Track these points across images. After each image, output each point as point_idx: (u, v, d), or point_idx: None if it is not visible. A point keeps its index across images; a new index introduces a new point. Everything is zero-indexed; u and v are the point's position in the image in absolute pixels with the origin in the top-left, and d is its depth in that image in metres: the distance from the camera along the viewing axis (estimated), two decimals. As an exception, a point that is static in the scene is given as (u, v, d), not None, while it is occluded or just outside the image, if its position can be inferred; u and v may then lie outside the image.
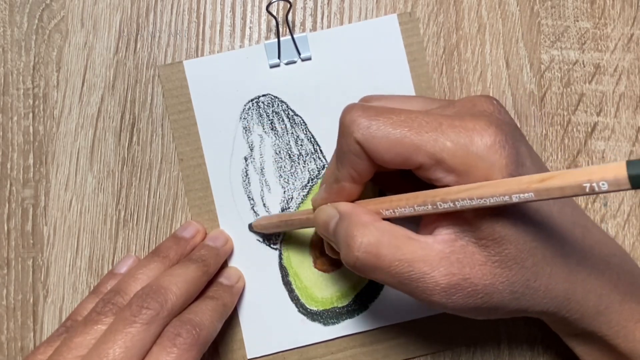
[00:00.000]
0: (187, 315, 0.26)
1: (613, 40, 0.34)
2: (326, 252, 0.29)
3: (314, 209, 0.28)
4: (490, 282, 0.22)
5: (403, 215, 0.24)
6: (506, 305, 0.23)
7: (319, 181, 0.32)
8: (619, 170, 0.18)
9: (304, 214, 0.29)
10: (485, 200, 0.21)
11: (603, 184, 0.18)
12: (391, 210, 0.24)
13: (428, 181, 0.23)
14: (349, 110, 0.24)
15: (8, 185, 0.33)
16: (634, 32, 0.34)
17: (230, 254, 0.32)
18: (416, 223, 0.25)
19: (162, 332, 0.25)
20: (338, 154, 0.25)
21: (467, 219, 0.23)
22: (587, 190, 0.19)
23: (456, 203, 0.22)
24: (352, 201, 0.26)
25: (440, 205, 0.22)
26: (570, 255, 0.24)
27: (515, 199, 0.20)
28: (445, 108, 0.25)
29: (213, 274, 0.30)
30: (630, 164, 0.18)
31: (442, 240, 0.23)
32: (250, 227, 0.32)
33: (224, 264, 0.32)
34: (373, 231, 0.23)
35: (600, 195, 0.33)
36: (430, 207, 0.22)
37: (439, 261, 0.22)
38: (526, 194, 0.20)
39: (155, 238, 0.33)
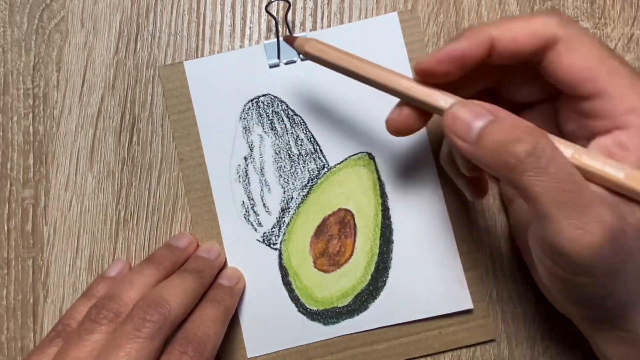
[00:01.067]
0: (193, 329, 0.26)
1: (613, 40, 0.34)
2: (400, 119, 0.26)
3: (425, 64, 0.24)
4: (636, 245, 0.21)
5: (587, 167, 0.22)
6: (626, 282, 0.21)
7: (319, 181, 0.32)
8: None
9: (405, 81, 0.25)
10: None
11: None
12: (573, 154, 0.22)
13: (581, 119, 0.23)
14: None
15: (8, 185, 0.33)
16: (634, 32, 0.34)
17: (224, 265, 0.32)
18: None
19: (164, 346, 0.25)
20: (517, 17, 0.23)
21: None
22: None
23: None
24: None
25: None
26: None
27: None
28: None
29: (208, 286, 0.30)
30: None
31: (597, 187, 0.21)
32: (288, 39, 0.29)
33: (223, 264, 0.32)
34: (549, 137, 0.21)
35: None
36: (621, 175, 0.21)
37: (606, 201, 0.21)
38: None
39: (155, 238, 0.33)
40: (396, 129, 0.26)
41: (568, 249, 0.20)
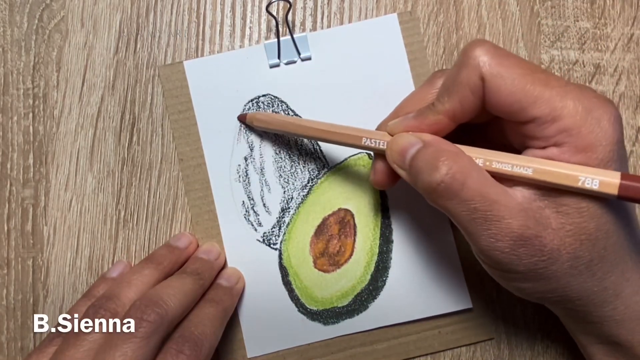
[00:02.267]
0: (189, 328, 0.26)
1: (613, 40, 0.34)
2: (376, 179, 0.29)
3: (390, 133, 0.27)
4: (557, 248, 0.22)
5: (498, 170, 0.24)
6: (559, 278, 0.23)
7: (319, 181, 0.32)
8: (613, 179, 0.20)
9: (322, 125, 0.29)
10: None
11: (595, 183, 0.21)
12: (484, 161, 0.24)
13: (523, 138, 0.24)
14: (478, 43, 0.24)
15: (8, 185, 0.33)
16: (634, 32, 0.34)
17: (224, 265, 0.32)
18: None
19: (161, 345, 0.25)
20: (449, 84, 0.24)
21: None
22: (580, 184, 0.21)
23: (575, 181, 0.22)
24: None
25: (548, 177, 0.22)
26: (634, 253, 0.24)
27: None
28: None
29: (207, 287, 0.30)
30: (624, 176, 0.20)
31: (522, 195, 0.23)
32: (241, 118, 0.32)
33: (223, 264, 0.32)
34: (465, 161, 0.23)
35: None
36: (530, 172, 0.23)
37: (518, 212, 0.22)
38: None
39: (155, 238, 0.33)
40: (380, 186, 0.29)
41: (487, 256, 0.23)
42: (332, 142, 0.28)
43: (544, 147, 0.23)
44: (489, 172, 0.24)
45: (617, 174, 0.22)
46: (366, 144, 0.27)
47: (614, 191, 0.21)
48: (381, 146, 0.27)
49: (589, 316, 0.25)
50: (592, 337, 0.26)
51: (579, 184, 0.22)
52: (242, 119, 0.32)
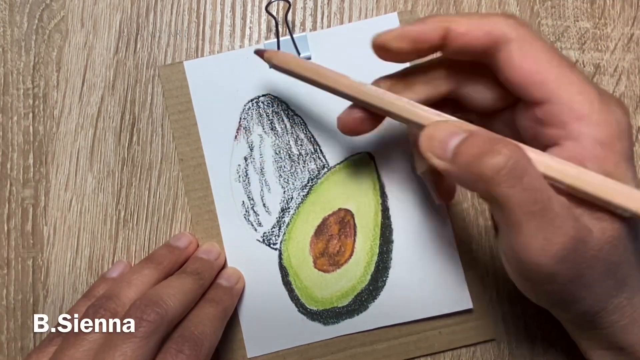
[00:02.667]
0: (189, 327, 0.26)
1: (613, 40, 0.34)
2: (348, 124, 0.27)
3: (387, 38, 0.25)
4: (596, 254, 0.21)
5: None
6: (590, 285, 0.22)
7: (319, 181, 0.32)
8: None
9: (352, 84, 0.26)
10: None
11: None
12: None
13: (535, 125, 0.23)
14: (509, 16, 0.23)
15: (8, 185, 0.33)
16: (634, 32, 0.34)
17: (224, 265, 0.32)
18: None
19: (161, 345, 0.25)
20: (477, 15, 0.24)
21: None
22: None
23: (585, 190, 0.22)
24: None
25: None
26: None
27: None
28: None
29: (207, 287, 0.30)
30: None
31: (563, 200, 0.22)
32: (260, 52, 0.30)
33: (223, 264, 0.32)
34: (521, 148, 0.22)
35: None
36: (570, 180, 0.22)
37: (569, 212, 0.21)
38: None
39: (155, 238, 0.33)
40: (348, 129, 0.27)
41: (533, 258, 0.21)
42: (363, 103, 0.26)
43: (561, 141, 0.22)
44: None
45: None
46: (405, 115, 0.25)
47: None
48: (422, 121, 0.24)
49: (598, 322, 0.24)
50: (595, 342, 0.25)
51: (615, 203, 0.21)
52: (259, 54, 0.30)
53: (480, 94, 0.25)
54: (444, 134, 0.23)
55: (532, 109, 0.23)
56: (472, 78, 0.25)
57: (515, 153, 0.21)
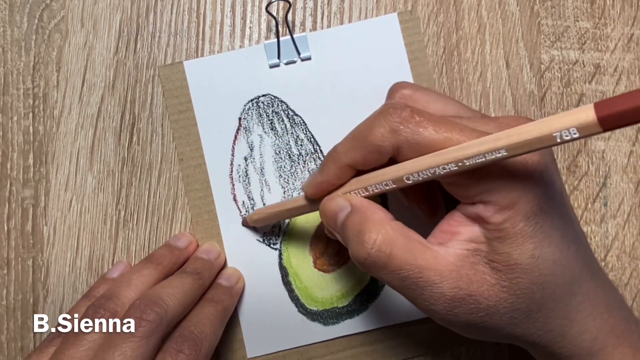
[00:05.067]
0: (189, 327, 0.26)
1: (613, 40, 0.34)
2: (327, 235, 0.29)
3: (307, 195, 0.27)
4: (494, 304, 0.23)
5: (375, 192, 0.24)
6: (501, 329, 0.23)
7: (319, 181, 0.32)
8: (587, 114, 0.17)
9: (298, 202, 0.28)
10: (460, 164, 0.21)
11: (574, 132, 0.18)
12: (362, 190, 0.25)
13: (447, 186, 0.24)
14: (397, 107, 0.23)
15: (8, 185, 0.33)
16: (634, 32, 0.34)
17: (224, 265, 0.32)
18: (428, 231, 0.25)
19: (161, 345, 0.25)
20: (358, 136, 0.24)
21: (485, 240, 0.23)
22: (558, 139, 0.18)
23: (430, 171, 0.22)
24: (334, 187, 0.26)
25: (413, 177, 0.22)
26: (575, 294, 0.24)
27: (489, 156, 0.20)
28: (484, 122, 0.24)
29: (207, 287, 0.30)
30: (598, 105, 0.17)
31: (455, 253, 0.23)
32: (244, 222, 0.32)
33: (223, 264, 0.32)
34: (389, 230, 0.23)
35: (600, 195, 0.33)
36: (407, 179, 0.23)
37: (449, 273, 0.23)
38: (498, 153, 0.20)
39: (155, 238, 0.33)
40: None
41: (429, 315, 0.24)
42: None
43: (472, 203, 0.23)
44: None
45: (590, 107, 0.18)
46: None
47: (598, 129, 0.18)
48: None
49: (540, 352, 0.25)
50: None
51: (559, 140, 0.19)
52: (245, 224, 0.32)
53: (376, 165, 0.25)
54: (332, 209, 0.25)
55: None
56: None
57: (378, 239, 0.23)
